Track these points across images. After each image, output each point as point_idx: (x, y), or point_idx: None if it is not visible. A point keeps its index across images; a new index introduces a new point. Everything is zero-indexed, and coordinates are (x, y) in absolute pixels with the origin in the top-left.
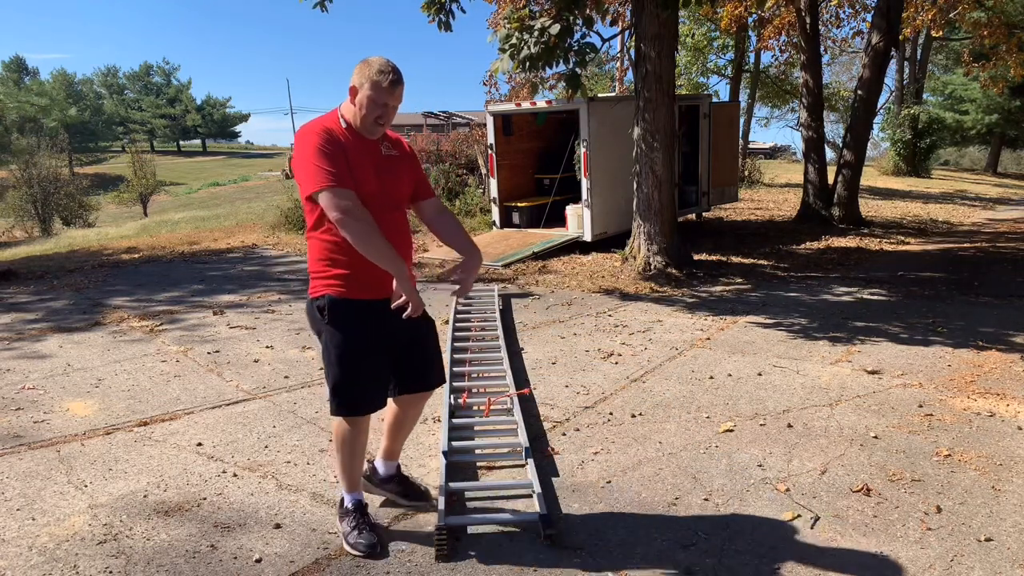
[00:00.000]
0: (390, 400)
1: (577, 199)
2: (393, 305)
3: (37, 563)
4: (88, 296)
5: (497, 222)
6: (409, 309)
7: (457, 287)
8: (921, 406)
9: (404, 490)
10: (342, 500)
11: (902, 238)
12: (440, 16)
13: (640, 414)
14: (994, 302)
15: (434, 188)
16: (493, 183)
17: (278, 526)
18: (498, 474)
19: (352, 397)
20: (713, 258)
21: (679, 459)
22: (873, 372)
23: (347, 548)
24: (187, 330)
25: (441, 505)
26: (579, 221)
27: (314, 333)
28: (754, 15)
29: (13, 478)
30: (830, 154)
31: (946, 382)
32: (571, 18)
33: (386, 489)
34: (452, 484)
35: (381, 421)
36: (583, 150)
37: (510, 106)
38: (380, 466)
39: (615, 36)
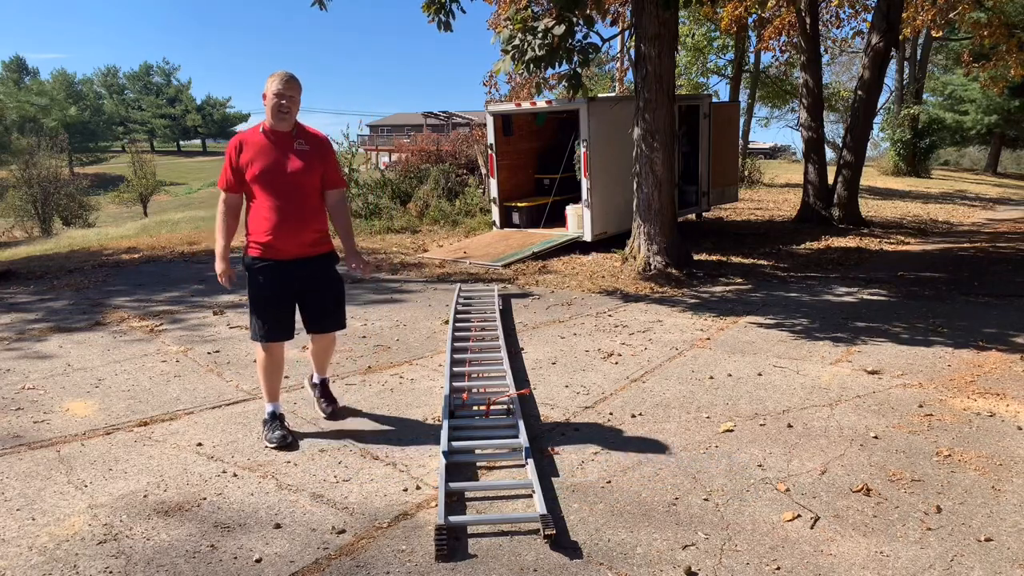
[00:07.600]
0: (311, 336)
1: (577, 199)
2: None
3: (37, 563)
4: (88, 296)
5: (497, 222)
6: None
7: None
8: (921, 406)
9: (325, 398)
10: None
11: (902, 238)
12: (440, 16)
13: (640, 414)
14: (994, 302)
15: (434, 188)
16: (493, 183)
17: (278, 526)
18: (498, 474)
19: (260, 329)
20: (713, 258)
21: (679, 459)
22: (873, 372)
23: (265, 444)
24: (187, 330)
25: (441, 505)
26: (579, 221)
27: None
28: (754, 15)
29: (13, 478)
30: (830, 154)
31: (946, 382)
32: (572, 19)
33: (316, 394)
34: (452, 484)
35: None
36: (583, 150)
37: (510, 106)
38: (315, 377)
39: (615, 36)
